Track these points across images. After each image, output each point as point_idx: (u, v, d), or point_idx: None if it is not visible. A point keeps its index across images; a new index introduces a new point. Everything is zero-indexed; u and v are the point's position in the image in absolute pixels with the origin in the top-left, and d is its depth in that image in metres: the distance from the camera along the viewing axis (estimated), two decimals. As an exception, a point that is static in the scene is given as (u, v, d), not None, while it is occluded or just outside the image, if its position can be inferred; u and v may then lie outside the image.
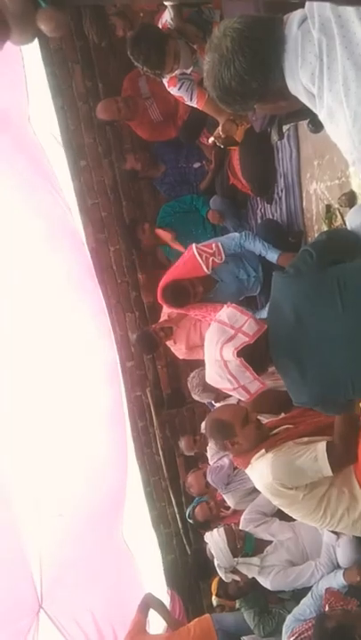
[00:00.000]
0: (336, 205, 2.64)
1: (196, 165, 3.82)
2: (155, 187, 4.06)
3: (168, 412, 4.42)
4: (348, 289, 1.44)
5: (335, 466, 2.03)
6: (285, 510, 2.29)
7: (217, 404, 3.11)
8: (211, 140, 3.02)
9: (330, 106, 1.21)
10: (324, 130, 1.33)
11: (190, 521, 3.76)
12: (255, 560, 2.67)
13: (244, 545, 2.71)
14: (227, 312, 1.79)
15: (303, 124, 2.74)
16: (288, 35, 1.22)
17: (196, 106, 2.94)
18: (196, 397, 3.20)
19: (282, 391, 2.88)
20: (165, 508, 4.48)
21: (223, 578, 2.84)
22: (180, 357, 3.74)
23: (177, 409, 4.41)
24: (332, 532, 2.45)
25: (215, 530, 2.85)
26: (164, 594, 4.14)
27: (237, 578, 2.78)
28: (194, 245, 3.05)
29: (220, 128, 2.85)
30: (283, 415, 2.57)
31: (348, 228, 2.17)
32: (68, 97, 3.98)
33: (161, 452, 4.41)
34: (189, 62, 2.78)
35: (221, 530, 2.79)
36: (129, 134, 3.97)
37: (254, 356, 1.67)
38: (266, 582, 2.67)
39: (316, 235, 2.86)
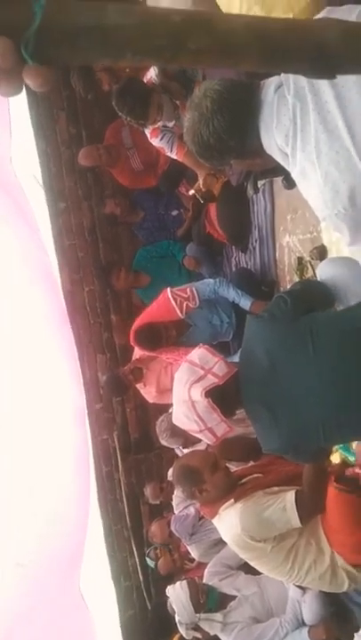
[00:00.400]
0: (308, 258, 2.75)
1: (175, 213, 3.94)
2: (133, 231, 4.15)
3: (135, 457, 4.32)
4: (319, 337, 1.47)
5: (304, 516, 2.02)
6: (252, 564, 2.24)
7: (185, 450, 3.06)
8: (191, 192, 3.13)
9: (302, 165, 1.30)
10: (297, 186, 1.41)
11: (149, 562, 3.61)
12: (218, 616, 2.57)
13: (208, 600, 2.61)
14: (198, 353, 1.80)
15: (278, 180, 2.88)
16: (265, 99, 1.31)
17: (175, 157, 3.07)
18: (164, 442, 3.15)
19: (252, 438, 2.88)
20: (127, 559, 4.29)
21: (184, 635, 2.71)
22: (150, 401, 3.70)
23: (144, 454, 4.31)
24: (299, 586, 2.39)
25: (178, 583, 2.74)
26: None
27: (199, 635, 2.65)
28: (169, 289, 3.10)
29: (200, 181, 2.97)
30: (252, 463, 2.55)
31: (319, 280, 2.27)
32: (51, 141, 4.09)
33: (125, 500, 4.27)
34: (172, 116, 2.93)
35: (184, 583, 2.69)
36: (110, 180, 4.08)
37: (223, 397, 1.68)
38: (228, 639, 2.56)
39: (287, 285, 2.96)
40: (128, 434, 4.36)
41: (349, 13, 1.25)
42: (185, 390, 1.74)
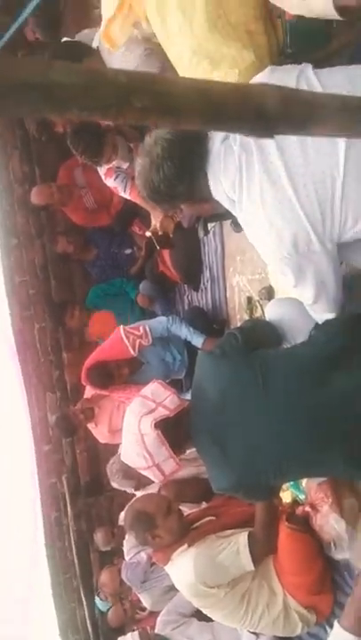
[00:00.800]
0: (256, 297, 2.83)
1: (128, 252, 3.98)
2: (86, 269, 4.14)
3: (85, 500, 4.17)
4: (269, 373, 1.49)
5: (257, 557, 2.01)
6: (205, 611, 2.18)
7: (138, 493, 2.99)
8: (148, 234, 3.15)
9: (248, 212, 1.36)
10: (244, 231, 1.47)
11: (99, 602, 3.43)
12: None
13: None
14: (151, 387, 1.78)
15: (227, 223, 2.99)
16: (212, 148, 1.38)
17: (129, 197, 3.12)
18: (115, 485, 3.06)
19: (204, 479, 2.86)
20: (75, 610, 4.06)
21: None
22: (102, 441, 3.61)
23: (95, 497, 4.17)
24: (252, 633, 2.33)
25: (129, 634, 2.62)
26: None
27: None
28: (121, 327, 3.09)
29: (158, 224, 3.00)
30: (204, 505, 2.51)
31: (267, 319, 2.33)
32: (3, 178, 4.07)
33: (74, 547, 4.08)
34: (126, 157, 2.99)
35: (136, 634, 2.60)
36: (63, 218, 4.09)
37: (173, 431, 1.65)
38: None
39: (238, 323, 3.02)
40: (78, 476, 4.22)
41: (289, 74, 1.35)
42: (135, 422, 1.70)
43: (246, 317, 2.83)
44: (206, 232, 2.69)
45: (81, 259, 4.10)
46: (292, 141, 1.28)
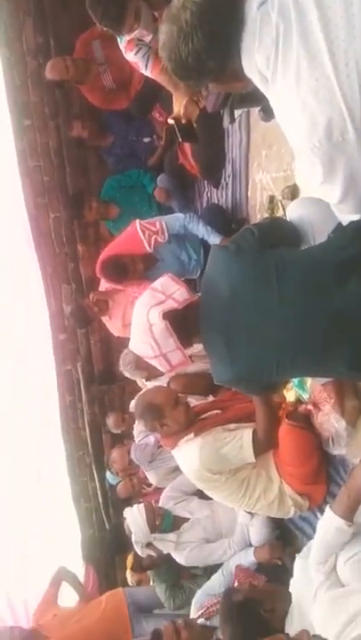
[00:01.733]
0: (279, 197, 2.69)
1: (147, 140, 3.75)
2: (101, 156, 3.94)
3: (98, 388, 4.38)
4: (285, 272, 1.45)
5: (258, 452, 2.13)
6: (208, 493, 2.36)
7: (148, 383, 3.11)
8: (170, 121, 2.91)
9: (281, 92, 1.22)
10: (275, 120, 1.34)
11: (109, 476, 3.75)
12: (172, 537, 2.73)
13: (163, 522, 2.76)
14: (162, 280, 1.76)
15: (255, 111, 2.75)
16: (248, 14, 1.20)
17: (150, 75, 2.85)
18: (127, 374, 3.18)
19: (211, 374, 2.95)
20: (87, 483, 4.46)
21: (139, 553, 2.89)
22: (115, 334, 3.70)
23: (107, 385, 4.37)
24: (248, 512, 2.55)
25: (135, 506, 2.88)
26: (79, 568, 4.15)
27: (153, 553, 2.83)
28: (138, 221, 3.00)
29: (181, 109, 2.76)
30: (211, 399, 2.62)
31: (288, 218, 2.23)
32: (16, 50, 3.75)
33: (87, 428, 4.37)
34: (150, 27, 2.68)
35: (141, 506, 2.83)
36: (78, 99, 3.81)
37: (181, 323, 1.64)
38: (180, 558, 2.74)
39: (258, 223, 2.91)
40: (92, 365, 4.39)
41: None
42: (144, 313, 1.70)
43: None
44: (232, 120, 2.48)
45: (96, 145, 3.88)
46: (337, 13, 1.11)
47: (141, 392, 2.84)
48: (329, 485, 2.19)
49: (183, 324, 1.66)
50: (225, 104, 2.34)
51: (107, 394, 4.36)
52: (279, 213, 2.67)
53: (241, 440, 2.13)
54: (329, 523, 1.44)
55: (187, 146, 3.29)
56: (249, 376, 1.57)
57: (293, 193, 2.55)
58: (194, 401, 2.83)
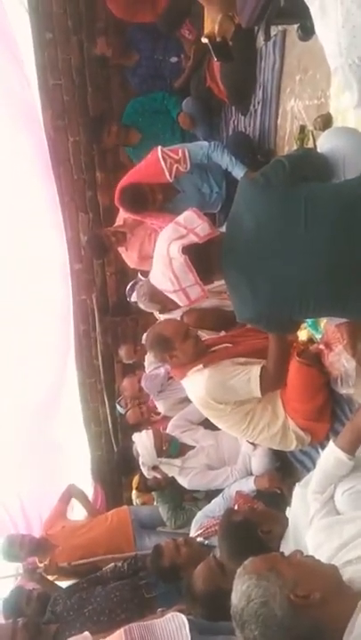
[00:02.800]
0: (310, 127, 2.54)
1: (174, 60, 3.53)
2: (125, 76, 3.74)
3: (112, 319, 4.42)
4: (315, 209, 1.41)
5: (265, 390, 2.14)
6: (213, 421, 2.42)
7: (162, 316, 3.12)
8: (203, 39, 2.69)
9: (323, 0, 1.12)
10: (312, 40, 1.23)
11: (119, 408, 3.90)
12: (177, 461, 2.85)
13: (170, 447, 2.87)
14: (185, 214, 1.74)
15: (292, 33, 2.54)
16: None
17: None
18: (141, 306, 3.19)
19: (226, 311, 2.94)
20: (98, 409, 4.62)
21: (146, 474, 3.03)
22: (132, 266, 3.67)
23: (121, 317, 4.41)
24: (251, 443, 2.62)
25: (144, 431, 2.98)
26: (88, 486, 4.39)
27: (158, 475, 2.98)
28: (159, 148, 2.88)
29: (215, 26, 2.55)
30: (223, 333, 2.63)
31: (319, 150, 2.12)
32: None
33: (100, 357, 4.46)
34: None
35: (150, 432, 2.93)
36: (103, 11, 3.58)
37: (201, 259, 1.63)
38: (184, 482, 2.87)
39: (285, 156, 2.77)
40: (106, 297, 4.41)
41: None
42: (165, 246, 1.69)
43: (295, 147, 2.58)
44: (268, 37, 2.31)
45: (121, 64, 3.67)
46: None
47: (153, 325, 2.86)
48: (333, 423, 2.22)
49: (203, 259, 1.65)
50: (261, 18, 2.15)
51: (120, 325, 4.41)
52: (309, 145, 2.53)
53: (249, 374, 2.14)
54: (330, 455, 1.47)
55: (216, 68, 3.09)
56: (270, 315, 1.56)
57: (326, 123, 2.40)
58: (205, 335, 2.85)
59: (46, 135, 3.76)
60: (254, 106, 3.06)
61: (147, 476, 3.10)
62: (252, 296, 1.54)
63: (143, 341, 3.78)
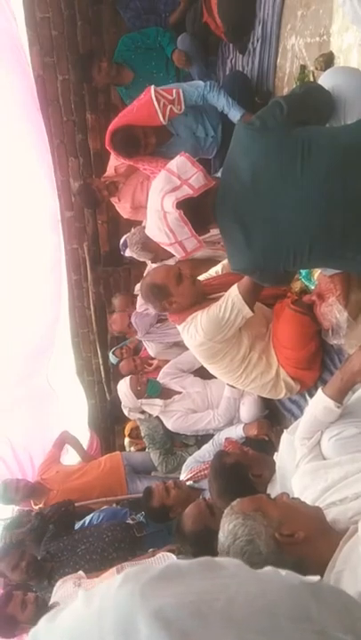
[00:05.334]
0: (312, 67, 2.41)
1: (168, -8, 3.31)
2: (117, 10, 3.51)
3: (104, 269, 4.37)
4: (311, 155, 1.35)
5: (249, 302, 2.08)
6: (209, 368, 2.38)
7: (154, 265, 3.09)
8: None
9: None
10: None
11: (112, 358, 3.94)
12: (158, 401, 2.95)
13: (147, 388, 2.98)
14: (178, 161, 1.66)
15: None
16: None
17: None
18: (133, 255, 3.15)
19: (219, 261, 2.91)
20: (91, 359, 4.66)
21: (128, 416, 3.16)
22: (125, 216, 3.59)
23: (113, 267, 4.36)
24: (233, 387, 2.63)
25: (123, 379, 3.12)
26: (83, 432, 4.49)
27: (142, 416, 3.08)
28: (152, 88, 2.74)
29: None
30: (220, 277, 2.55)
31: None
32: None
33: (92, 307, 4.44)
34: None
35: (127, 378, 3.08)
36: None
37: (196, 212, 1.59)
38: (168, 423, 2.96)
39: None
40: (98, 246, 4.34)
41: None
42: (158, 199, 1.65)
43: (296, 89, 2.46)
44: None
45: (112, -4, 3.45)
46: None
47: (144, 277, 2.81)
48: (322, 373, 2.25)
49: (198, 211, 1.61)
50: None
51: (112, 275, 4.37)
52: (309, 86, 2.42)
53: (229, 297, 2.10)
54: (319, 402, 1.49)
55: (213, 2, 2.90)
56: (265, 265, 1.54)
57: (328, 62, 2.28)
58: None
59: (34, 73, 3.57)
60: (253, 44, 2.89)
61: (130, 418, 3.22)
62: (246, 246, 1.51)
63: (136, 291, 3.76)
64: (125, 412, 3.16)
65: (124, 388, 3.08)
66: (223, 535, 1.10)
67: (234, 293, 2.08)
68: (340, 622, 0.58)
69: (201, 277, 2.44)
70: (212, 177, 1.73)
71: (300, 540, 1.03)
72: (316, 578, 0.65)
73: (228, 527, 1.09)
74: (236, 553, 1.06)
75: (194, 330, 2.19)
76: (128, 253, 3.32)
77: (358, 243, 1.39)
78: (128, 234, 3.36)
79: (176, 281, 2.20)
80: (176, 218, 1.61)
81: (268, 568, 0.70)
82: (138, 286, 3.81)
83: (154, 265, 3.08)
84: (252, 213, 1.46)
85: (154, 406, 2.95)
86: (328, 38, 2.34)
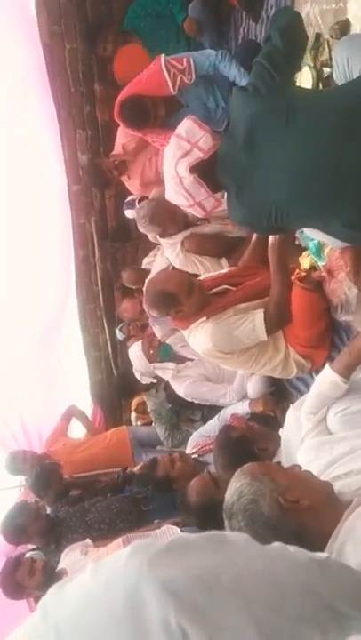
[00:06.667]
0: (327, 35, 2.34)
1: None
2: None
3: (111, 244, 4.34)
4: (296, 118, 1.40)
5: (271, 332, 2.13)
6: (217, 363, 2.41)
7: (162, 240, 3.05)
8: None
9: None
10: None
11: (119, 334, 3.95)
12: (171, 365, 2.95)
13: (159, 351, 2.98)
14: (185, 125, 1.73)
15: None
16: None
17: None
18: (141, 229, 3.11)
19: (227, 236, 2.88)
20: (98, 335, 4.66)
21: (140, 379, 3.17)
22: (135, 193, 3.55)
23: (121, 243, 4.33)
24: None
25: (135, 343, 3.16)
26: (88, 407, 4.54)
27: (154, 380, 3.10)
28: (163, 57, 2.68)
29: None
30: (222, 272, 2.53)
31: (334, 63, 1.97)
32: None
33: (100, 283, 4.43)
34: None
35: (140, 342, 3.10)
36: None
37: (209, 174, 1.65)
38: (180, 388, 2.92)
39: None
40: (106, 221, 4.30)
41: None
42: (172, 166, 1.74)
43: (309, 60, 2.38)
44: None
45: None
46: None
47: (150, 278, 2.68)
48: (331, 351, 2.23)
49: (211, 173, 1.67)
50: None
51: (119, 251, 4.33)
52: (324, 57, 2.35)
53: (253, 322, 2.11)
54: (326, 378, 1.49)
55: (226, -34, 2.80)
56: (252, 220, 1.64)
57: (343, 31, 2.21)
58: (201, 268, 2.81)
59: (41, 42, 3.49)
60: (267, 11, 2.80)
61: (142, 382, 3.24)
62: (238, 202, 1.59)
63: (144, 265, 3.73)
64: (138, 376, 3.16)
65: (136, 350, 3.09)
66: (229, 493, 1.13)
67: (258, 319, 2.10)
68: (348, 598, 0.58)
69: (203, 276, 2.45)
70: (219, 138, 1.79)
71: (304, 508, 1.05)
72: (324, 555, 0.65)
73: (236, 485, 1.12)
74: (239, 509, 1.08)
75: (202, 337, 2.18)
76: (130, 214, 3.30)
77: (343, 212, 1.41)
78: (133, 195, 3.32)
79: (188, 291, 2.17)
80: (191, 181, 1.71)
81: (276, 544, 0.70)
82: (146, 260, 3.79)
83: (162, 240, 3.05)
84: (242, 171, 1.53)
85: (166, 370, 2.93)
86: (344, 5, 2.27)
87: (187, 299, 2.17)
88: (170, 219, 2.85)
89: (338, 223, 1.43)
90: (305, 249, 2.24)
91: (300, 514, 1.04)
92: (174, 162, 1.72)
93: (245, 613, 0.54)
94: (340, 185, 1.36)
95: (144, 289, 2.52)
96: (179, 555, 0.59)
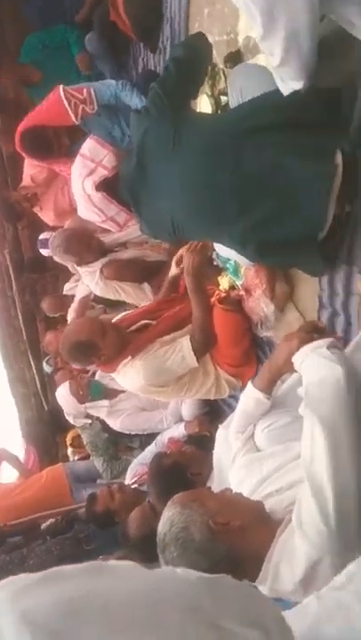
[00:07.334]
0: (221, 65, 2.45)
1: (73, -10, 3.23)
2: (19, 6, 3.38)
3: (29, 276, 4.22)
4: (181, 141, 1.50)
5: (201, 356, 2.14)
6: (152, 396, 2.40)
7: (80, 269, 3.00)
8: None
9: None
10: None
11: (47, 367, 3.83)
12: (104, 402, 2.87)
13: (89, 391, 2.88)
14: (89, 145, 1.83)
15: None
16: None
17: None
18: (57, 259, 3.05)
19: (146, 261, 2.89)
20: (24, 371, 4.49)
21: (73, 422, 3.06)
22: (50, 224, 3.48)
23: (39, 274, 4.21)
24: None
25: (61, 385, 3.02)
26: (20, 448, 4.33)
27: (88, 421, 2.99)
28: (61, 87, 2.65)
29: None
30: (140, 309, 2.52)
31: (228, 91, 2.06)
32: None
33: (20, 317, 4.28)
34: None
35: (66, 383, 2.97)
36: None
37: (116, 190, 1.74)
38: (115, 423, 2.87)
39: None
40: (21, 252, 4.18)
41: None
42: (79, 184, 1.84)
43: (207, 89, 2.48)
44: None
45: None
46: None
47: (63, 334, 2.50)
48: (257, 367, 2.29)
49: (117, 189, 1.76)
50: None
51: (39, 282, 4.22)
52: (221, 84, 2.45)
53: (182, 351, 2.12)
54: (250, 396, 1.51)
55: (119, 0, 2.86)
56: (156, 233, 1.75)
57: (236, 60, 2.32)
58: (123, 294, 2.80)
59: None
60: (162, 42, 2.89)
61: (76, 425, 3.12)
62: (139, 217, 1.69)
63: (65, 292, 3.64)
64: (70, 419, 3.04)
65: (64, 393, 2.97)
66: (162, 524, 1.12)
67: (186, 347, 2.09)
68: (238, 615, 0.56)
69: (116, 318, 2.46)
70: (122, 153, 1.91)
71: (234, 529, 1.06)
72: (220, 575, 0.63)
73: (167, 514, 1.12)
74: (171, 540, 1.08)
75: (133, 375, 2.14)
76: (47, 252, 3.23)
77: (230, 229, 1.50)
78: (46, 232, 3.28)
79: (101, 334, 2.12)
80: (100, 198, 1.82)
81: (165, 567, 0.69)
82: (67, 285, 3.70)
83: (79, 269, 3.00)
84: (139, 190, 1.62)
85: (100, 408, 2.84)
86: (235, 36, 2.38)
87: (103, 341, 2.12)
88: (85, 247, 2.82)
89: (228, 239, 1.53)
90: (223, 269, 2.31)
91: (231, 535, 1.05)
92: (81, 180, 1.82)
93: (114, 635, 0.51)
94: (220, 204, 1.45)
95: (59, 347, 2.40)
96: (49, 585, 0.56)
